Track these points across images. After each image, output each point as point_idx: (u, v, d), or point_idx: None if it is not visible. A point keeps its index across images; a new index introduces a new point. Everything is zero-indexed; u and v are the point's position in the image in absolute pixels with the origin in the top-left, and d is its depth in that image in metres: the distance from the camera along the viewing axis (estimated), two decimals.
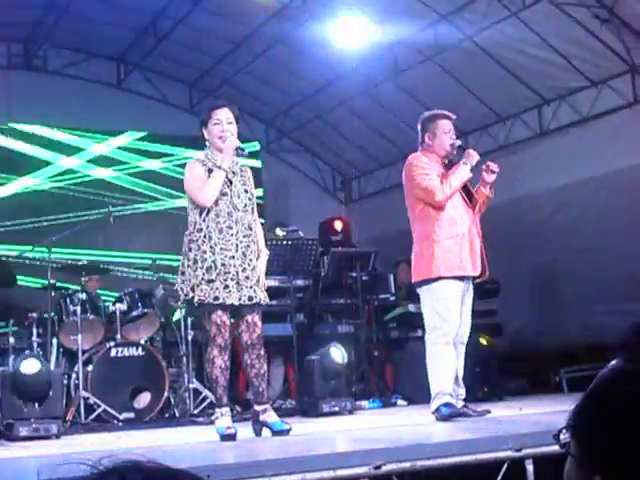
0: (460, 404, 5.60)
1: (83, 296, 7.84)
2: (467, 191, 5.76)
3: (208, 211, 5.04)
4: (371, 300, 9.13)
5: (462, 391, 5.64)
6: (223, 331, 5.03)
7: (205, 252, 5.00)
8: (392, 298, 9.33)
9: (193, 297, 5.00)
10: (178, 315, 8.35)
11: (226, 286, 4.98)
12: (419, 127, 5.88)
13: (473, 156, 5.69)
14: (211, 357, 5.07)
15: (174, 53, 11.54)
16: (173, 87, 12.49)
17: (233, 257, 5.02)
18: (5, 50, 11.41)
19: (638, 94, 8.90)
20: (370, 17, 9.64)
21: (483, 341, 8.30)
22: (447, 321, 5.48)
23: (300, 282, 8.73)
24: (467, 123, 10.86)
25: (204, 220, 5.05)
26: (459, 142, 5.82)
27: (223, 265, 4.98)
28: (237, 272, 5.01)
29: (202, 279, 4.97)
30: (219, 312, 5.00)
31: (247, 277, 5.06)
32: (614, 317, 8.33)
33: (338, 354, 7.33)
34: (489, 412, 5.67)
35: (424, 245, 5.62)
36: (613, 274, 8.88)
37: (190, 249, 5.06)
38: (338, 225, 11.14)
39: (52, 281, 8.03)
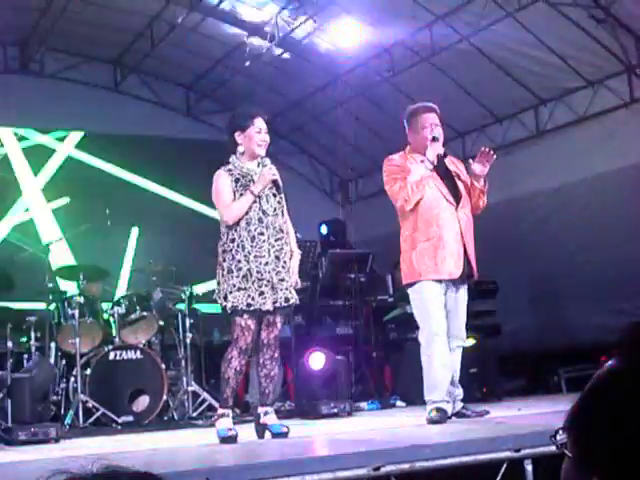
0: (459, 405, 5.59)
1: (81, 299, 7.83)
2: (453, 186, 5.60)
3: (239, 221, 5.07)
4: (369, 301, 9.13)
5: (459, 391, 5.60)
6: (246, 334, 5.05)
7: (240, 261, 5.03)
8: (390, 299, 9.33)
9: (226, 305, 5.03)
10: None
11: (261, 292, 5.02)
12: (404, 124, 5.74)
13: (432, 152, 5.45)
14: (229, 357, 5.09)
15: (171, 56, 11.54)
16: (170, 90, 12.49)
17: (267, 263, 5.06)
18: (1, 54, 11.40)
19: (634, 94, 8.91)
20: (366, 18, 9.65)
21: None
22: (428, 321, 5.42)
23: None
24: (464, 124, 10.88)
25: (235, 230, 5.08)
26: (435, 134, 5.54)
27: (258, 272, 5.02)
28: (272, 277, 5.05)
29: (237, 287, 5.00)
30: (245, 315, 5.02)
31: (282, 279, 5.10)
32: (612, 317, 8.34)
33: (317, 360, 7.42)
34: (488, 412, 5.65)
35: (405, 248, 5.59)
36: (611, 274, 8.89)
37: (224, 259, 5.09)
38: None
39: (50, 284, 8.02)
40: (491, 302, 9.09)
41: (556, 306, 9.75)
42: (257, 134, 5.19)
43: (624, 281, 8.71)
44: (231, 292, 5.01)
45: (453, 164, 5.78)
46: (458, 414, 5.54)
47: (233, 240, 5.08)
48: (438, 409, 5.33)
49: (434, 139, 5.51)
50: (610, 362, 1.04)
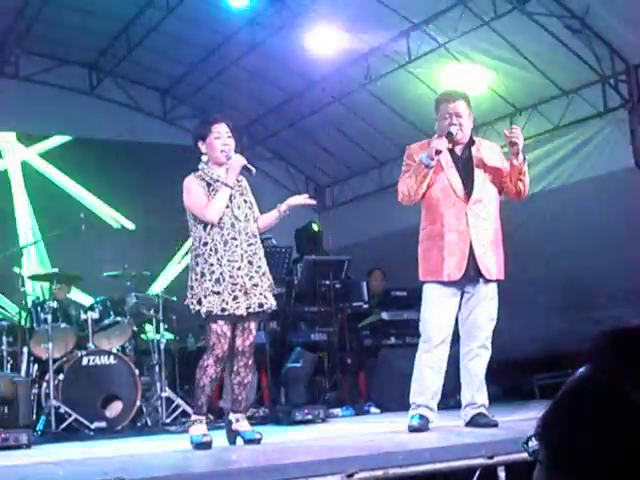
0: (472, 412, 5.26)
1: (54, 304, 7.78)
2: (469, 178, 5.28)
3: (212, 225, 5.08)
4: (344, 308, 9.12)
5: (474, 398, 5.25)
6: (223, 341, 5.03)
7: (212, 264, 5.03)
8: (365, 306, 9.33)
9: (200, 309, 5.01)
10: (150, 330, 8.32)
11: (235, 297, 5.01)
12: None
13: (436, 146, 5.12)
14: (205, 365, 5.06)
15: (147, 60, 11.50)
16: (146, 94, 12.45)
17: (239, 268, 5.05)
18: None
19: (608, 103, 8.99)
20: (343, 25, 9.67)
21: None
22: (422, 324, 5.30)
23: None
24: None
25: (209, 234, 5.08)
26: (450, 129, 5.24)
27: (231, 277, 5.02)
28: (244, 282, 5.04)
29: (210, 291, 4.99)
30: (220, 322, 5.01)
31: (255, 285, 5.09)
32: (584, 324, 8.38)
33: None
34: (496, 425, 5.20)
35: (419, 244, 5.39)
36: (584, 282, 8.94)
37: (197, 263, 5.09)
38: (315, 227, 11.01)
39: (22, 289, 7.96)
40: None
41: (529, 313, 9.78)
42: (217, 140, 5.19)
43: (597, 289, 8.77)
44: (205, 296, 5.00)
45: (481, 151, 5.46)
46: (471, 421, 5.24)
47: (206, 244, 5.08)
48: (421, 416, 5.22)
49: (448, 135, 5.20)
50: (580, 370, 1.05)
